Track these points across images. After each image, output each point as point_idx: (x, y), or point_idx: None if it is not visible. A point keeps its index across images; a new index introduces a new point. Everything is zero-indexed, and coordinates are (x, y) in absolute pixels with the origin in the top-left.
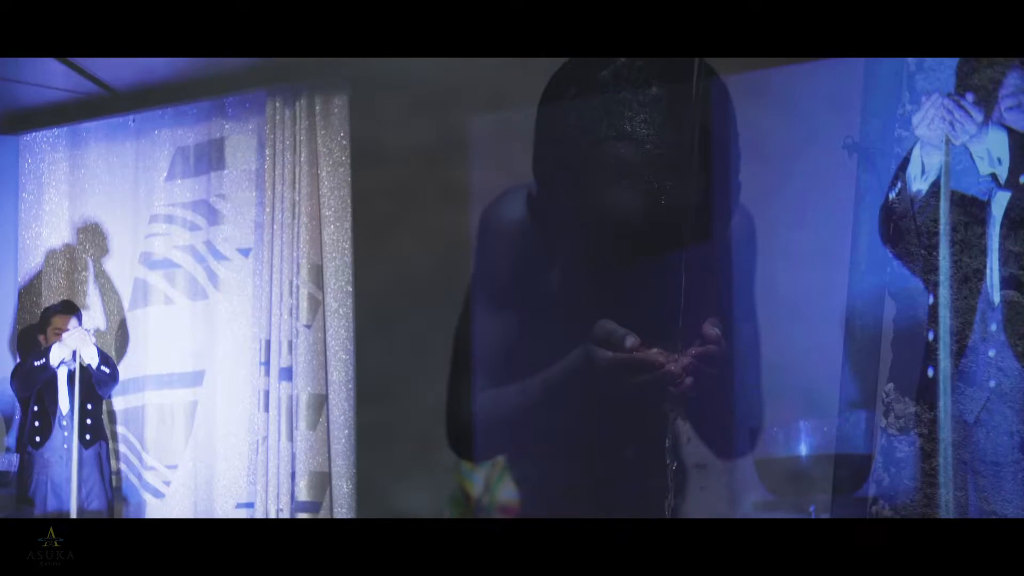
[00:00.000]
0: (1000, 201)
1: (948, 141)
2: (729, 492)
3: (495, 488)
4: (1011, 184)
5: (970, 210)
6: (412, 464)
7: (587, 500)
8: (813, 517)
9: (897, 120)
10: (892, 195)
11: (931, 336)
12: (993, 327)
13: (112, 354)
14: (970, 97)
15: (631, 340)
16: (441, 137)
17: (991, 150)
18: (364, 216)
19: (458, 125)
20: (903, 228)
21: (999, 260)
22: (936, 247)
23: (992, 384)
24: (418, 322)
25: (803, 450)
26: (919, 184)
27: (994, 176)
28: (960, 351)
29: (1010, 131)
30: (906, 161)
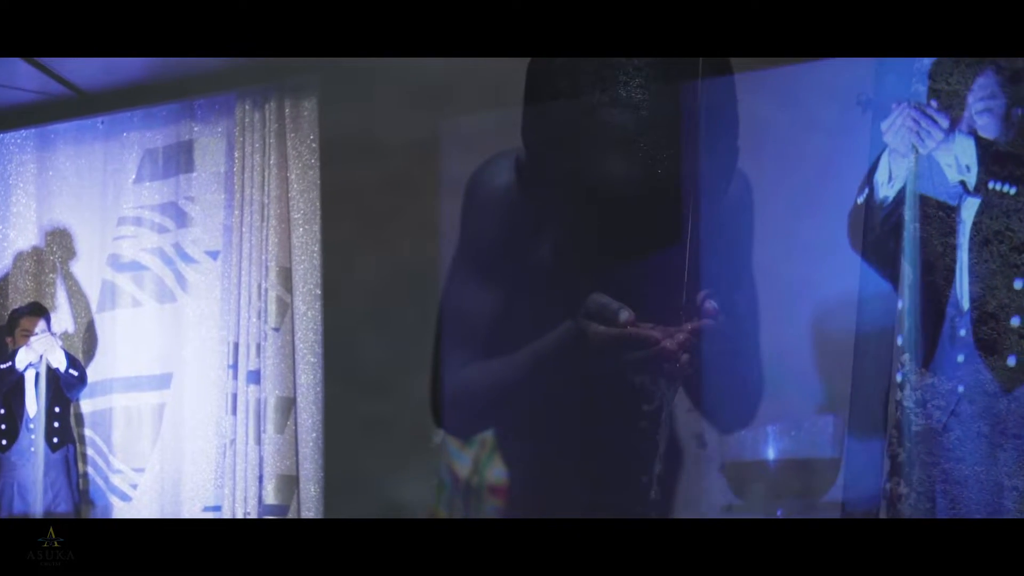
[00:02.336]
0: (970, 206)
1: (915, 149)
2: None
3: (484, 468)
4: (980, 190)
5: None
6: (381, 467)
7: (578, 479)
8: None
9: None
10: (860, 200)
11: (900, 341)
12: (962, 332)
13: (80, 357)
14: (934, 103)
15: (625, 314)
16: (411, 140)
17: (959, 157)
18: (333, 219)
19: (428, 128)
20: (877, 226)
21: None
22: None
23: (961, 389)
24: (387, 324)
25: (771, 454)
26: (885, 191)
27: (963, 183)
28: (935, 335)
29: (977, 138)
30: (875, 167)
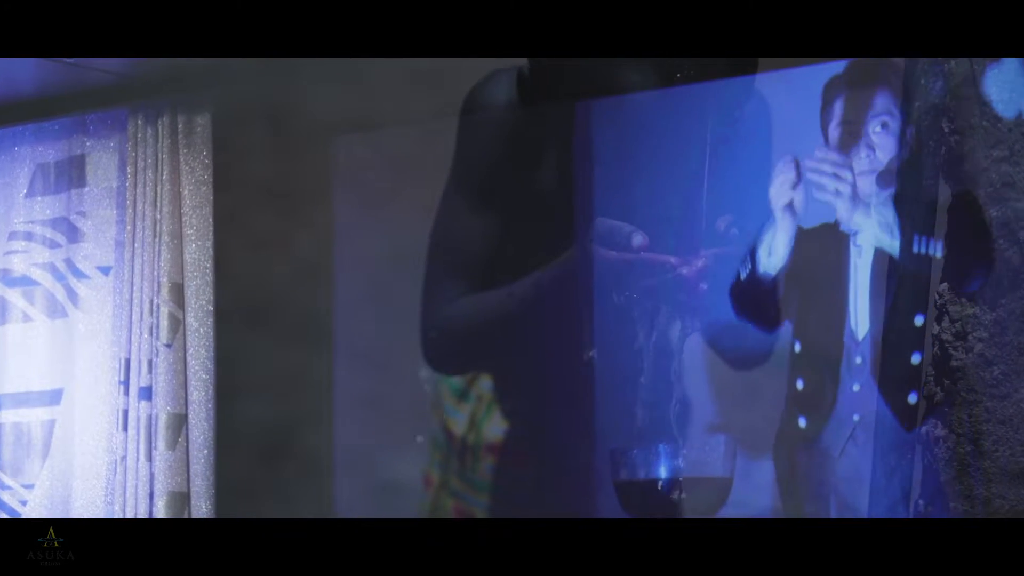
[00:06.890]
0: (867, 234)
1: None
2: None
3: (481, 424)
4: (904, 252)
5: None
6: (271, 483)
7: (583, 435)
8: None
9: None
10: (743, 276)
11: (800, 385)
12: (858, 360)
13: None
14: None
15: (639, 239)
16: (304, 157)
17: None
18: (226, 235)
19: (320, 146)
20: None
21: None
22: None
23: (856, 418)
24: (280, 340)
25: (662, 473)
26: (766, 267)
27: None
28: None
29: (894, 200)
30: (757, 241)
